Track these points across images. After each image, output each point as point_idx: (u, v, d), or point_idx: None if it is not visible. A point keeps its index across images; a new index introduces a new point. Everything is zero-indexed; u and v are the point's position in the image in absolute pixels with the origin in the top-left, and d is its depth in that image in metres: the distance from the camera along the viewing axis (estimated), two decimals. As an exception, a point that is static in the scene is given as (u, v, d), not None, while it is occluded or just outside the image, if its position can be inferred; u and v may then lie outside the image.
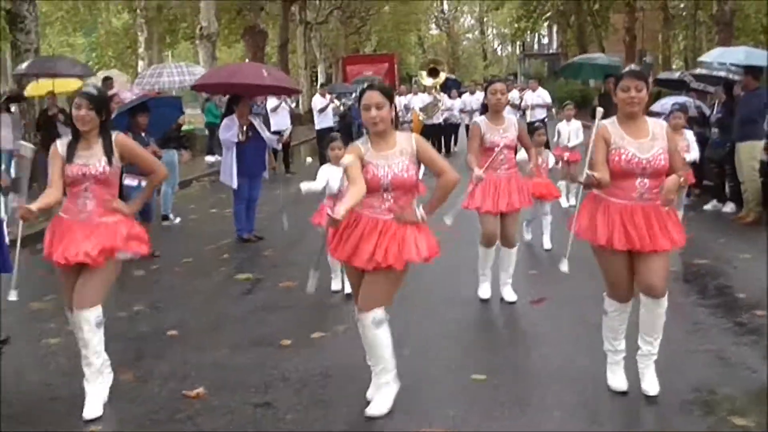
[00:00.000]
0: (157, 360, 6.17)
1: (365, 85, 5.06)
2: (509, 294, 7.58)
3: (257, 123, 10.84)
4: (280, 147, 11.22)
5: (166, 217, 12.33)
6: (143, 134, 9.65)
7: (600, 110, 5.04)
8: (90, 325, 5.03)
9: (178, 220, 12.47)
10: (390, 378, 4.97)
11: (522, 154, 7.87)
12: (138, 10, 22.36)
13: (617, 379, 5.23)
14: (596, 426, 4.84)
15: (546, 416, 4.96)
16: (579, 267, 8.66)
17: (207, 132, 21.83)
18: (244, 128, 10.49)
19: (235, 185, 10.69)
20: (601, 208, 5.03)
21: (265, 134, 10.82)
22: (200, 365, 6.00)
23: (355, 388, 5.29)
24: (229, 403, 5.25)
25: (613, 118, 5.06)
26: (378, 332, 4.86)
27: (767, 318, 6.89)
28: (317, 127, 20.76)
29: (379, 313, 4.85)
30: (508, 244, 7.57)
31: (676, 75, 16.99)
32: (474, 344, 6.40)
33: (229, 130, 10.49)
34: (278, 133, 19.48)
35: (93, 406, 5.06)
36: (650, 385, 5.11)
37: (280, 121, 19.48)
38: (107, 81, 16.70)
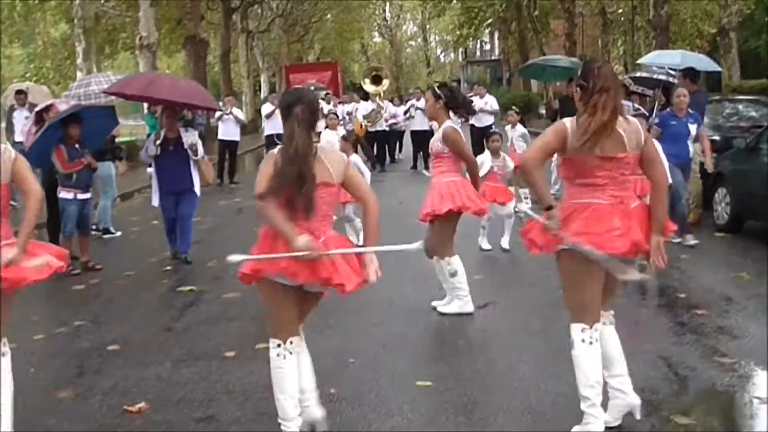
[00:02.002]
0: (98, 375, 6.05)
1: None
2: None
3: (185, 136, 9.91)
4: (199, 156, 9.98)
5: (107, 230, 12.13)
6: (77, 146, 9.48)
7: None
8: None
9: (118, 233, 12.29)
10: None
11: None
12: (75, 20, 21.95)
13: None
14: (541, 428, 4.86)
15: (490, 421, 4.97)
16: (521, 274, 8.77)
17: (148, 142, 21.61)
18: (158, 143, 9.76)
19: (155, 203, 10.17)
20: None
21: (189, 146, 9.84)
22: (142, 380, 5.90)
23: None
24: (171, 418, 5.17)
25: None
26: None
27: (706, 317, 7.00)
28: (265, 132, 20.71)
29: None
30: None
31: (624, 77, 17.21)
32: (419, 352, 6.40)
33: (146, 146, 10.06)
34: (226, 142, 19.36)
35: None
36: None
37: (228, 130, 19.31)
38: (20, 94, 15.47)
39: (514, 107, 14.49)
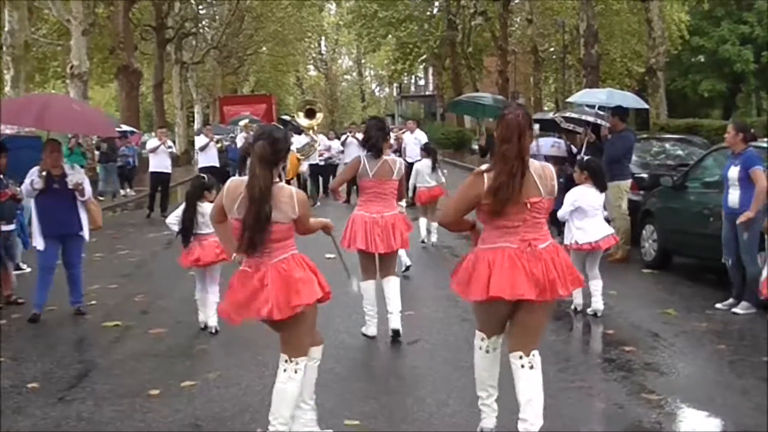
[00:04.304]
0: (17, 414, 5.83)
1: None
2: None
3: (71, 174, 8.76)
4: (87, 197, 8.79)
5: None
6: (1, 176, 9.22)
7: None
8: None
9: (28, 269, 11.51)
10: None
11: None
12: (5, 48, 21.54)
13: None
14: (469, 469, 4.82)
15: (419, 461, 4.92)
16: (451, 310, 8.76)
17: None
18: (44, 173, 8.58)
19: (40, 246, 8.81)
20: None
21: (74, 185, 8.65)
22: (63, 419, 5.71)
23: (225, 439, 5.15)
24: (92, 459, 5.02)
25: None
26: None
27: (634, 354, 7.06)
28: (200, 165, 20.48)
29: None
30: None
31: (550, 115, 17.45)
32: (348, 390, 6.30)
33: (31, 179, 8.68)
34: (158, 174, 19.06)
35: None
36: None
37: (161, 162, 19.07)
38: None
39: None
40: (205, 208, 7.54)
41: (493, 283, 4.62)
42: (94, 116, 9.55)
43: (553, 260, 4.72)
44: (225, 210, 4.79)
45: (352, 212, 7.66)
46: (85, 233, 8.97)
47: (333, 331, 7.87)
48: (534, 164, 4.74)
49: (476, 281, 4.70)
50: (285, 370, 4.80)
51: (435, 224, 13.22)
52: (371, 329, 7.65)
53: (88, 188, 8.87)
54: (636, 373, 6.58)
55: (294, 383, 4.79)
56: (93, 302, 9.56)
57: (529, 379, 4.76)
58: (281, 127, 5.34)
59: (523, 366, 4.75)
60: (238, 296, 4.76)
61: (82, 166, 20.94)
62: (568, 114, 14.76)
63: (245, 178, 4.69)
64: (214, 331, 7.87)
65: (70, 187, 8.64)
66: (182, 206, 7.94)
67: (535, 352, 4.81)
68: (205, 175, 8.23)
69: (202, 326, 8.02)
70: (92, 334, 8.26)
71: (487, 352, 4.98)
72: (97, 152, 24.39)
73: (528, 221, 4.67)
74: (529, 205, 4.65)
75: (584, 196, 8.31)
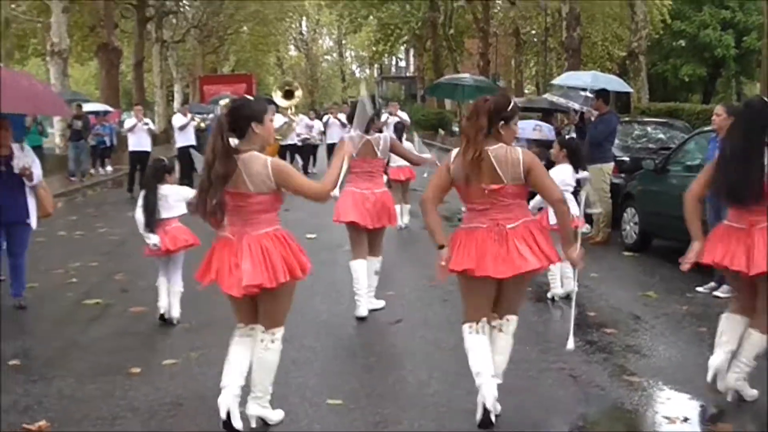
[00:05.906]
0: (-3, 392, 5.81)
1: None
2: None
3: (18, 157, 7.86)
4: (36, 182, 7.94)
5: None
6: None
7: None
8: None
9: None
10: None
11: None
12: (-17, 25, 21.36)
13: None
14: (452, 448, 4.83)
15: (402, 440, 4.93)
16: (432, 291, 8.76)
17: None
18: None
19: None
20: None
21: (21, 170, 7.79)
22: (44, 396, 5.68)
23: (206, 417, 5.13)
24: (73, 437, 4.99)
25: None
26: None
27: (615, 336, 7.09)
28: (177, 145, 20.35)
29: None
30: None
31: (544, 97, 17.43)
32: (330, 369, 6.30)
33: None
34: (137, 153, 18.72)
35: None
36: None
37: (140, 141, 18.88)
38: None
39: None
40: (166, 190, 7.32)
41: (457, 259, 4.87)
42: (43, 93, 8.53)
43: (524, 237, 4.84)
44: None
45: (343, 188, 7.63)
46: (33, 221, 8.13)
47: (314, 310, 7.87)
48: (497, 150, 4.78)
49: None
50: (262, 341, 4.91)
51: (407, 206, 13.23)
52: (361, 310, 7.62)
53: (37, 172, 8.03)
54: (617, 355, 6.61)
55: (272, 353, 4.92)
56: (74, 280, 9.54)
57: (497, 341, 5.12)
58: (250, 98, 5.24)
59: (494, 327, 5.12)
60: (215, 261, 4.88)
61: (39, 147, 20.76)
62: (555, 99, 14.79)
63: None
64: (175, 322, 7.54)
65: (16, 171, 7.82)
66: (142, 193, 7.50)
67: (511, 318, 5.16)
68: (164, 158, 7.90)
69: (162, 312, 7.54)
70: (72, 312, 8.20)
71: (477, 333, 4.99)
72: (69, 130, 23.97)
73: (496, 204, 4.81)
74: (487, 192, 4.78)
75: (563, 173, 8.25)
